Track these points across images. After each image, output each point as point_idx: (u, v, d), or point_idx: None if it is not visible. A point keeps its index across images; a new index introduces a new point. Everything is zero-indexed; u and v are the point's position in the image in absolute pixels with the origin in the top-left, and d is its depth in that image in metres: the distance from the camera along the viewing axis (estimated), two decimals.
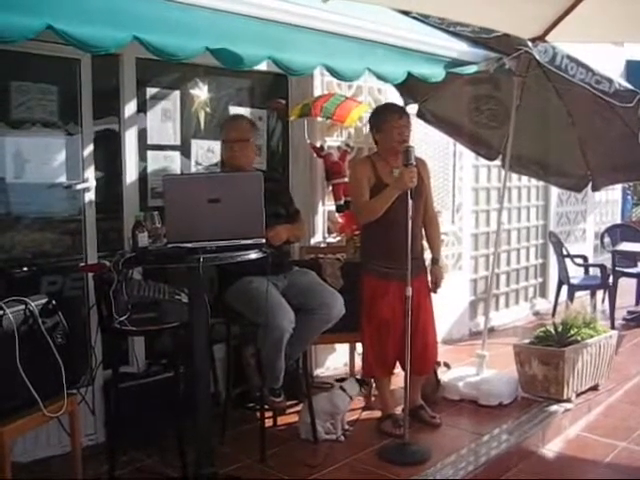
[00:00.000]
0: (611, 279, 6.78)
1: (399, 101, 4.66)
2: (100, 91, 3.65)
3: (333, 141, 4.81)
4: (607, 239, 7.99)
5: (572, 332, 4.43)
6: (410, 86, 4.68)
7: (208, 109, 4.23)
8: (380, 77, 2.90)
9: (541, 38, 3.44)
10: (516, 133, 4.65)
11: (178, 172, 4.06)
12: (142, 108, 3.88)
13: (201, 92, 4.20)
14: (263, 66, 4.42)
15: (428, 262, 3.94)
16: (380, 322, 3.68)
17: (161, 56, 2.38)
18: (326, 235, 4.79)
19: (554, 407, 4.19)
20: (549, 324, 6.94)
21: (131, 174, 3.80)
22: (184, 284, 3.06)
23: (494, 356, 4.77)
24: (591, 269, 7.10)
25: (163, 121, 4.00)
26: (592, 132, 4.59)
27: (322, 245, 4.73)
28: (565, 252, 6.84)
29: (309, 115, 4.44)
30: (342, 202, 4.57)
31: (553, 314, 6.97)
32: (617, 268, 7.11)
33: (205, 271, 2.54)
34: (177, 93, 4.07)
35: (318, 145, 4.62)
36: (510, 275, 6.95)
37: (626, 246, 7.25)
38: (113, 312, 2.83)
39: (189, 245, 2.56)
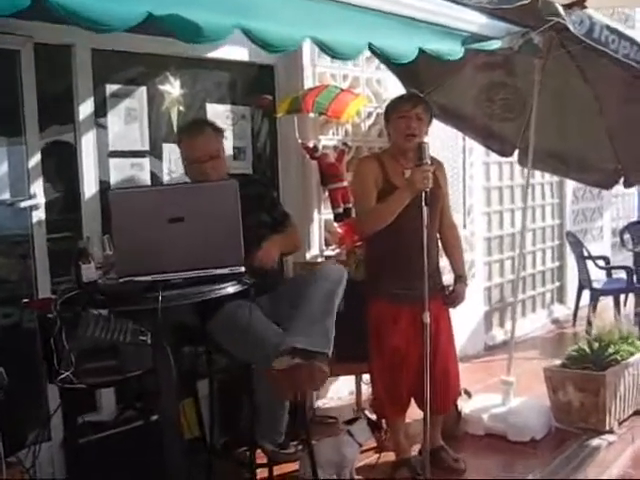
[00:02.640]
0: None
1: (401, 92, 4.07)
2: (48, 90, 3.07)
3: (328, 140, 4.22)
4: (627, 236, 7.43)
5: (610, 351, 3.84)
6: (414, 74, 4.13)
7: (182, 107, 3.64)
8: (385, 55, 2.30)
9: (580, 3, 2.85)
10: (535, 123, 4.09)
11: (148, 182, 3.47)
12: (101, 109, 3.30)
13: (172, 88, 3.61)
14: (245, 55, 3.89)
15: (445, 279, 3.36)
16: (392, 354, 3.10)
17: (80, 24, 1.77)
18: (323, 248, 4.20)
19: (596, 441, 3.60)
20: (569, 332, 6.57)
21: (90, 187, 3.21)
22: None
23: (516, 375, 4.20)
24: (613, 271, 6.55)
25: (127, 123, 3.41)
26: (624, 120, 4.01)
27: (319, 260, 4.13)
28: (586, 253, 6.27)
29: (299, 111, 3.86)
30: (341, 209, 3.98)
31: (574, 322, 6.43)
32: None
33: (168, 312, 1.94)
34: (143, 90, 3.47)
35: (311, 145, 4.02)
36: (526, 280, 6.36)
37: None
38: (55, 365, 2.23)
39: (146, 279, 1.96)
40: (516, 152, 4.63)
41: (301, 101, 3.82)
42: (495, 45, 2.72)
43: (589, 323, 6.02)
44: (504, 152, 4.67)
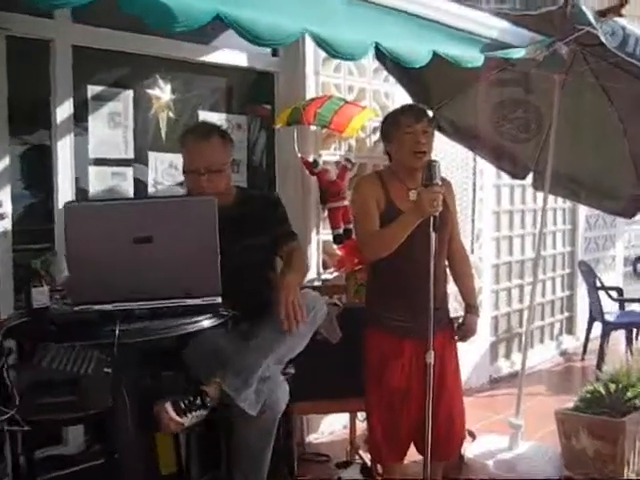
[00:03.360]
0: None
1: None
2: (21, 89, 2.80)
3: (330, 155, 3.92)
4: None
5: (629, 395, 3.52)
6: (424, 87, 3.85)
7: (171, 113, 3.36)
8: (395, 57, 2.00)
9: (616, 10, 2.56)
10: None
11: (131, 193, 3.17)
12: (81, 112, 3.02)
13: (162, 92, 3.34)
14: (243, 61, 3.62)
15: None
16: (392, 393, 2.78)
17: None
18: (321, 271, 3.90)
19: None
20: (578, 366, 6.25)
21: (66, 197, 2.92)
22: None
23: (522, 412, 3.89)
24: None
25: (111, 128, 3.13)
26: None
27: (316, 284, 3.83)
28: (598, 283, 5.95)
29: (300, 122, 3.57)
30: (341, 230, 3.69)
31: (583, 355, 6.11)
32: None
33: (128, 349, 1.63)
34: (129, 93, 3.20)
35: (311, 160, 3.73)
36: (535, 310, 6.02)
37: None
38: None
39: (104, 308, 1.66)
40: (530, 175, 4.33)
41: (302, 112, 3.54)
42: (518, 54, 2.42)
43: (601, 358, 5.74)
44: (518, 174, 4.38)
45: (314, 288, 3.69)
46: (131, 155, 3.20)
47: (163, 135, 3.32)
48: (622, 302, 6.18)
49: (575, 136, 3.91)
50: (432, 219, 2.44)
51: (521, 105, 4.04)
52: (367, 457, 3.46)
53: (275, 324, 2.32)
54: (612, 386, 3.60)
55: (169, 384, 2.27)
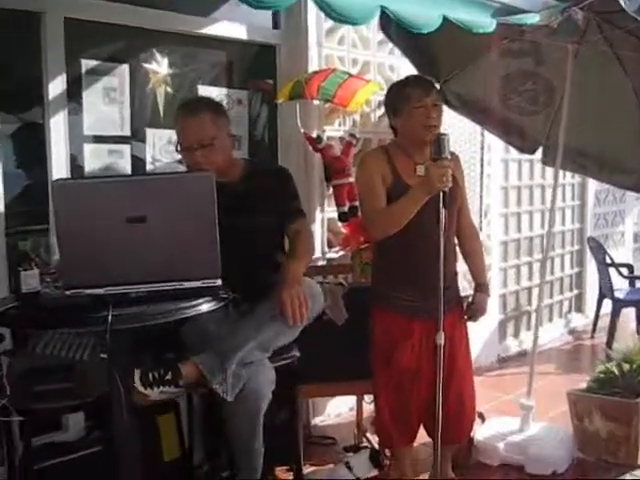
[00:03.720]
0: None
1: None
2: (11, 64, 2.70)
3: (334, 130, 3.80)
4: None
5: None
6: (430, 59, 3.71)
7: (169, 88, 3.24)
8: (402, 20, 1.86)
9: None
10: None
11: (128, 171, 3.07)
12: (75, 87, 2.90)
13: (159, 66, 3.21)
14: (243, 33, 3.49)
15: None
16: (400, 375, 2.69)
17: None
18: (326, 250, 3.79)
19: (626, 477, 3.18)
20: (588, 344, 6.15)
21: (60, 175, 2.81)
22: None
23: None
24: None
25: (106, 104, 3.01)
26: None
27: (320, 263, 3.72)
28: (609, 260, 5.84)
29: (302, 97, 3.45)
30: (346, 208, 3.58)
31: (593, 333, 6.02)
32: None
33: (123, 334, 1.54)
34: (125, 67, 3.07)
35: (315, 135, 3.61)
36: (543, 288, 5.91)
37: None
38: None
39: (96, 292, 1.56)
40: (540, 149, 4.20)
41: (304, 86, 3.41)
42: (532, 19, 2.29)
43: (611, 336, 5.65)
44: (527, 149, 4.24)
45: (318, 268, 3.61)
46: (128, 132, 3.09)
47: (161, 111, 3.21)
48: (632, 279, 6.07)
49: (587, 108, 3.77)
50: (442, 195, 2.34)
51: (531, 77, 3.89)
52: (375, 440, 3.39)
53: (266, 308, 2.25)
54: (626, 366, 3.51)
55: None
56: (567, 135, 3.65)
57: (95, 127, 2.98)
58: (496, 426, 3.49)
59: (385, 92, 3.60)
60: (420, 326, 2.66)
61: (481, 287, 2.86)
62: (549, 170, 5.80)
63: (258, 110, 3.68)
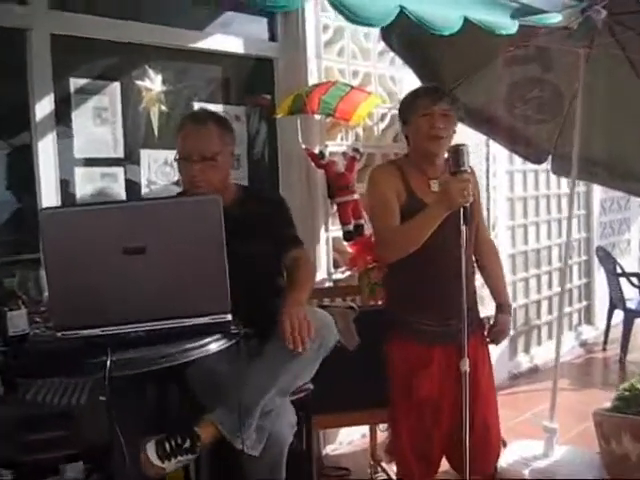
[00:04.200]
0: None
1: None
2: None
3: (336, 145, 3.65)
4: None
5: None
6: (434, 68, 3.56)
7: (164, 107, 3.07)
8: (422, 21, 1.71)
9: None
10: (573, 127, 3.52)
11: (122, 195, 2.90)
12: (64, 108, 2.73)
13: (152, 83, 3.04)
14: (239, 47, 3.33)
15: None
16: (421, 405, 2.51)
17: None
18: (332, 270, 3.62)
19: None
20: (600, 357, 5.98)
21: (50, 202, 2.64)
22: None
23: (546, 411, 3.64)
24: None
25: (97, 125, 2.85)
26: None
27: (327, 285, 3.55)
28: (619, 269, 5.69)
29: (303, 111, 3.29)
30: (351, 227, 3.40)
31: (604, 345, 5.85)
32: None
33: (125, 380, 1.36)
34: (116, 85, 2.91)
35: (317, 151, 3.45)
36: (552, 300, 5.76)
37: None
38: None
39: (91, 333, 1.38)
40: (549, 158, 4.05)
41: (305, 100, 3.25)
42: (555, 19, 2.14)
43: (625, 348, 5.49)
44: (535, 159, 4.09)
45: (325, 290, 3.43)
46: (121, 154, 2.92)
47: (155, 130, 3.04)
48: None
49: (597, 114, 3.63)
50: (462, 210, 2.18)
51: (538, 84, 3.75)
52: (390, 469, 3.21)
53: (280, 346, 2.04)
54: None
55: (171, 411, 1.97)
56: (579, 144, 3.51)
57: (86, 149, 2.81)
58: (519, 451, 3.32)
59: (388, 106, 3.47)
60: (440, 352, 2.49)
61: (503, 307, 2.69)
62: (553, 180, 5.68)
63: (257, 127, 3.52)
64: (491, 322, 2.69)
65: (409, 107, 2.52)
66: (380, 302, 3.38)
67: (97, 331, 1.43)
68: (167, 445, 1.82)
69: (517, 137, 3.98)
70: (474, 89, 3.75)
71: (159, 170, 3.03)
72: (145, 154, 3.00)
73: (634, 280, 5.85)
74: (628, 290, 5.71)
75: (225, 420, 1.95)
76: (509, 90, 3.78)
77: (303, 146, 3.41)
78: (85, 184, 2.80)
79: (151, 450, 1.79)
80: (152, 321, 1.48)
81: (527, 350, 5.41)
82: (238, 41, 3.30)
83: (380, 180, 2.53)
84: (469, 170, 2.18)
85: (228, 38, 3.26)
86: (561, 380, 4.96)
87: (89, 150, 2.81)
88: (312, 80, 3.46)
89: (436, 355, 2.49)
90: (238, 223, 2.31)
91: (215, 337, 1.54)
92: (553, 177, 5.62)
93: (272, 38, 3.50)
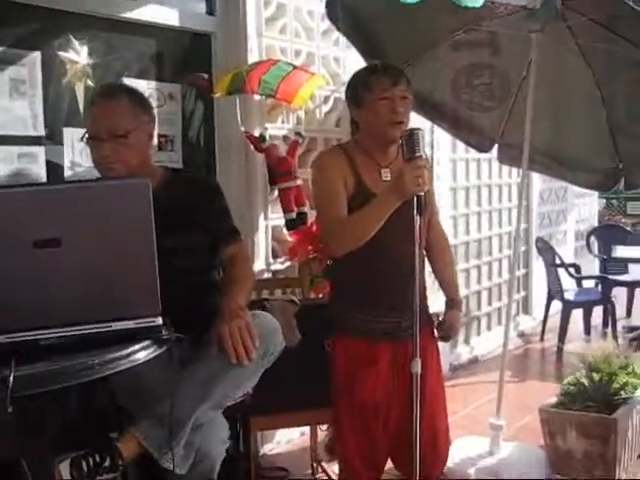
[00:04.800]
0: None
1: None
2: None
3: (277, 129, 3.45)
4: (593, 241, 6.95)
5: (616, 386, 3.21)
6: (379, 47, 3.39)
7: (90, 81, 2.81)
8: None
9: None
10: (520, 113, 3.43)
11: (43, 178, 2.63)
12: None
13: (78, 55, 2.78)
14: (174, 19, 3.08)
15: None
16: (365, 406, 2.34)
17: None
18: (271, 261, 3.43)
19: None
20: (538, 347, 5.99)
21: None
22: None
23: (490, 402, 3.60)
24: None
25: (14, 99, 2.57)
26: (630, 111, 3.37)
27: (265, 277, 3.36)
28: (558, 260, 5.69)
29: (242, 91, 3.09)
30: (294, 214, 3.23)
31: (542, 335, 5.87)
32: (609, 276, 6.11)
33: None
34: (36, 55, 2.64)
35: (257, 134, 3.25)
36: (492, 291, 5.72)
37: (622, 251, 6.17)
38: None
39: None
40: (495, 147, 3.95)
41: (244, 79, 3.06)
42: None
43: (562, 339, 5.51)
44: (482, 147, 3.98)
45: (263, 281, 3.25)
46: (42, 132, 2.66)
47: (81, 107, 2.78)
48: (580, 279, 5.95)
49: (548, 104, 3.54)
50: (416, 200, 2.01)
51: (487, 70, 3.64)
52: (331, 470, 3.07)
53: (217, 356, 1.83)
54: (595, 375, 3.30)
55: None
56: (522, 132, 3.42)
57: (1, 125, 2.53)
58: (464, 448, 3.21)
59: (332, 87, 3.28)
60: (387, 350, 2.33)
61: (453, 303, 2.54)
62: (495, 169, 5.63)
63: (192, 106, 3.29)
64: (440, 318, 2.55)
65: (364, 88, 2.30)
66: (322, 295, 3.23)
67: (1, 338, 1.21)
68: (84, 464, 1.59)
69: (463, 124, 3.86)
70: (421, 72, 3.59)
71: (84, 151, 2.77)
72: (69, 133, 2.74)
73: (572, 271, 5.89)
74: (566, 281, 5.74)
75: (151, 435, 1.73)
76: (456, 75, 3.66)
77: (242, 128, 3.20)
78: (1, 166, 2.52)
79: (65, 470, 1.57)
80: (69, 326, 1.26)
81: (467, 341, 5.35)
82: (173, 13, 3.07)
83: (327, 167, 2.33)
84: (424, 156, 2.02)
85: (162, 9, 3.03)
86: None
87: (4, 126, 2.54)
88: (252, 58, 3.26)
89: (382, 353, 2.33)
90: (165, 211, 2.08)
91: (143, 344, 1.33)
92: (494, 166, 5.58)
93: (210, 12, 3.28)
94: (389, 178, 2.29)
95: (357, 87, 2.33)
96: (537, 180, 6.22)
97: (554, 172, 3.89)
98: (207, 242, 2.17)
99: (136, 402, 1.78)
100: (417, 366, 2.05)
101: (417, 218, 2.02)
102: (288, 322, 2.76)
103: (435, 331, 2.54)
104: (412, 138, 2.00)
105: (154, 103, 3.04)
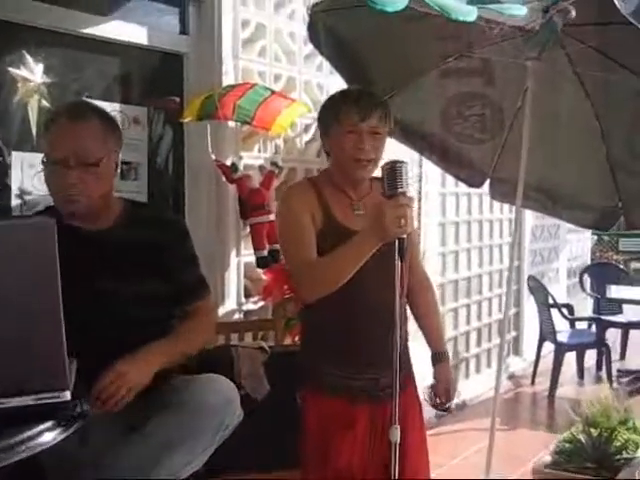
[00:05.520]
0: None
1: None
2: None
3: (254, 158, 3.21)
4: (587, 279, 6.73)
5: (617, 444, 2.95)
6: (364, 74, 3.17)
7: (45, 102, 2.56)
8: None
9: None
10: (513, 148, 3.22)
11: None
12: None
13: (32, 73, 2.53)
14: (142, 37, 2.85)
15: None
16: (339, 475, 2.06)
17: None
18: (242, 301, 3.15)
19: None
20: (529, 391, 5.72)
21: None
22: None
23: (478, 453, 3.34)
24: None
25: None
26: (634, 146, 3.15)
27: (236, 318, 3.08)
28: (550, 300, 5.46)
29: (215, 116, 2.85)
30: (266, 252, 2.97)
31: (533, 379, 5.61)
32: (603, 317, 5.89)
33: None
34: None
35: (229, 163, 3.00)
36: (481, 331, 5.47)
37: (617, 291, 5.94)
38: None
39: None
40: (488, 182, 3.71)
41: (217, 103, 2.82)
42: (518, 11, 1.76)
43: (554, 385, 5.27)
44: (473, 182, 3.74)
45: (234, 324, 2.98)
46: None
47: (33, 129, 2.53)
48: (574, 321, 5.71)
49: (543, 137, 3.31)
50: (398, 243, 1.76)
51: (479, 100, 3.41)
52: None
53: (165, 425, 1.58)
54: (593, 432, 3.04)
55: None
56: (515, 167, 3.20)
57: None
58: None
59: (315, 115, 3.05)
60: (365, 412, 2.05)
61: (441, 356, 2.26)
62: (486, 204, 5.41)
63: (160, 132, 3.04)
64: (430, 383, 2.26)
65: (331, 116, 2.05)
66: (298, 339, 2.97)
67: None
68: None
69: (453, 157, 3.62)
70: (409, 101, 3.37)
71: (38, 177, 2.51)
72: (18, 157, 2.48)
73: (565, 312, 5.65)
74: (558, 321, 5.50)
75: None
76: (447, 105, 3.43)
77: (213, 157, 2.95)
78: None
79: None
80: None
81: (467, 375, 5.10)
82: (141, 30, 2.83)
83: (292, 202, 2.06)
84: (408, 192, 1.76)
85: (129, 26, 2.78)
86: (489, 419, 4.69)
87: None
88: (227, 81, 3.02)
89: (360, 415, 2.05)
90: (121, 253, 1.83)
91: (48, 425, 1.05)
92: (485, 201, 5.36)
93: (183, 31, 3.04)
94: (362, 212, 2.04)
95: (327, 114, 2.08)
96: (529, 216, 6.00)
97: (549, 210, 3.64)
98: (168, 292, 1.90)
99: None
100: (396, 435, 1.78)
101: (399, 263, 1.76)
102: (255, 372, 2.49)
103: (426, 398, 2.26)
104: (394, 172, 1.75)
105: None
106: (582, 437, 3.02)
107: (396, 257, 1.76)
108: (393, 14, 1.46)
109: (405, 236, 1.76)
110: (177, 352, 1.82)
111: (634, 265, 10.78)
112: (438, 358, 2.25)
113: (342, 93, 2.16)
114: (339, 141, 2.04)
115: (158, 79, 3.01)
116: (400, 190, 1.74)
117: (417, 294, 2.29)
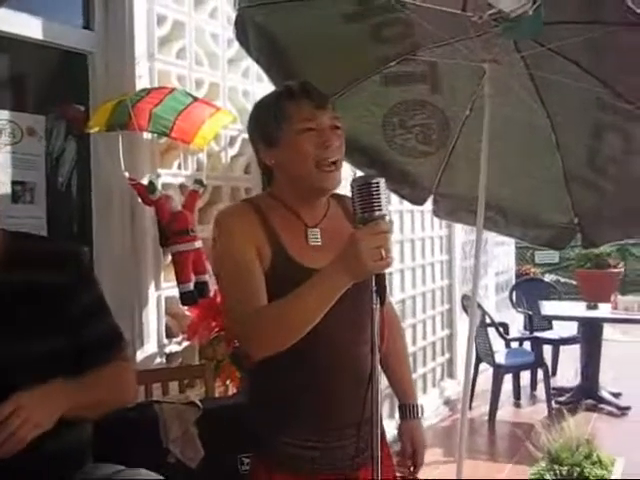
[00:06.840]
0: None
1: None
2: None
3: (173, 175, 2.78)
4: (517, 294, 6.59)
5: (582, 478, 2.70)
6: (295, 77, 2.82)
7: None
8: None
9: None
10: (460, 161, 2.98)
11: None
12: None
13: None
14: (37, 32, 2.35)
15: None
16: None
17: None
18: (164, 342, 2.70)
19: None
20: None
21: None
22: None
23: None
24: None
25: None
26: (592, 158, 2.91)
27: (158, 363, 2.63)
28: (488, 319, 5.24)
29: (127, 127, 2.42)
30: (191, 285, 2.53)
31: (470, 404, 5.33)
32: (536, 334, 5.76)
33: None
34: None
35: (145, 182, 2.55)
36: (416, 356, 5.17)
37: (548, 307, 5.80)
38: None
39: None
40: (431, 198, 3.41)
41: (130, 111, 2.38)
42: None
43: (494, 410, 5.06)
44: (415, 199, 3.42)
45: (155, 372, 2.52)
46: None
47: None
48: (509, 341, 5.51)
49: (493, 148, 3.04)
50: (375, 280, 1.38)
51: (423, 108, 3.11)
52: None
53: None
54: (560, 469, 2.78)
55: None
56: (468, 182, 2.94)
57: None
58: None
59: (240, 126, 2.68)
60: None
61: (411, 410, 1.88)
62: (418, 222, 5.14)
63: (62, 145, 2.57)
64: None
65: (277, 118, 1.63)
66: (233, 387, 2.56)
67: None
68: None
69: (395, 172, 3.30)
70: (345, 111, 3.02)
71: None
72: None
73: (501, 330, 5.45)
74: (495, 341, 5.29)
75: None
76: (389, 114, 3.12)
77: (126, 175, 2.49)
78: None
79: None
80: None
81: (392, 415, 4.74)
82: (35, 22, 2.35)
83: (233, 231, 1.62)
84: (388, 216, 1.38)
85: (20, 16, 2.31)
86: (432, 450, 4.39)
87: None
88: (141, 85, 2.58)
89: None
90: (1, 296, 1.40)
91: None
92: (417, 218, 5.10)
93: (87, 25, 2.58)
94: (319, 242, 1.64)
95: (267, 120, 1.65)
96: (460, 232, 5.80)
97: (500, 228, 3.37)
98: (67, 352, 1.46)
99: None
100: None
101: (377, 306, 1.39)
102: (186, 433, 2.08)
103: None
104: (369, 190, 1.37)
105: (8, 139, 2.32)
106: (548, 475, 2.76)
107: (374, 299, 1.38)
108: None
109: (385, 272, 1.38)
110: (85, 398, 1.43)
111: (548, 277, 10.90)
112: (408, 412, 1.87)
113: (280, 92, 1.74)
114: (294, 144, 1.61)
115: (57, 82, 2.56)
116: (378, 213, 1.36)
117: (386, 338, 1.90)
